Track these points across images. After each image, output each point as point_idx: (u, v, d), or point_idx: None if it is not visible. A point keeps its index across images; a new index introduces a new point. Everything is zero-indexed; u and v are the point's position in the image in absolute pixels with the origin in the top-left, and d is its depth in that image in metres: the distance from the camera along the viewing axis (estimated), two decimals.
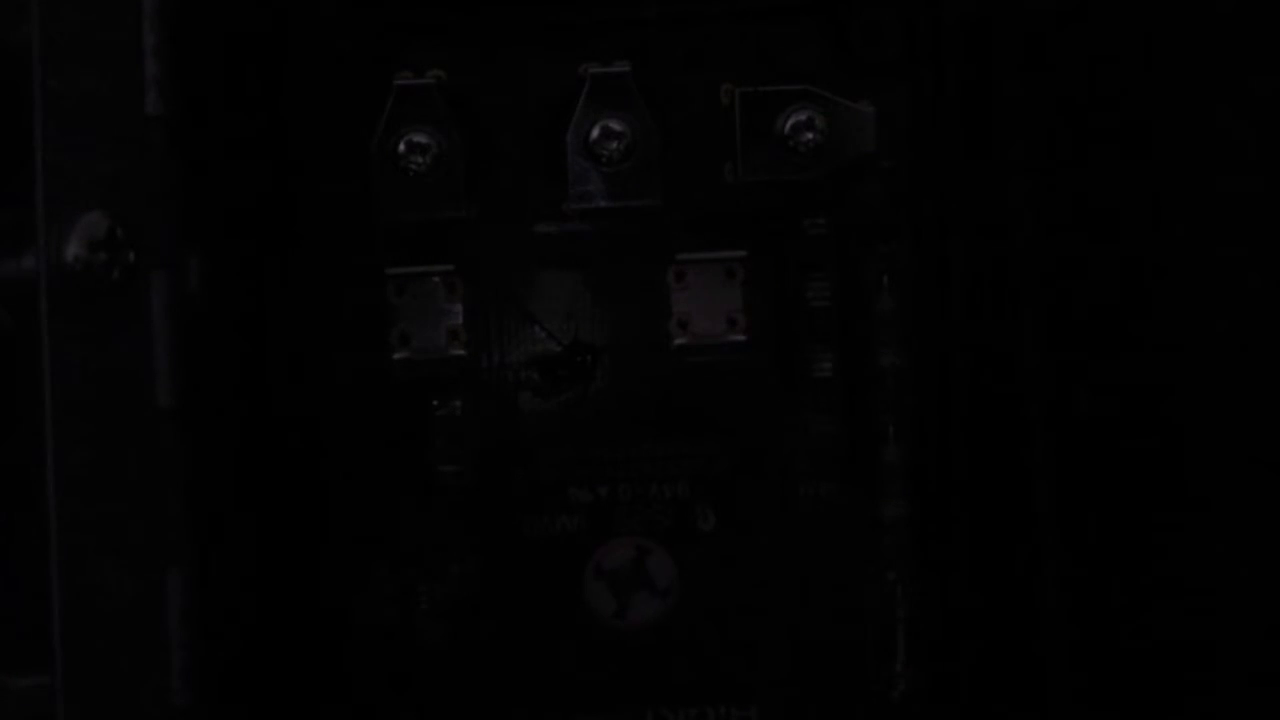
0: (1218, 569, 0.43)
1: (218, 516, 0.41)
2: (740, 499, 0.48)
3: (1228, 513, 0.43)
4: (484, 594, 0.48)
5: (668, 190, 0.47)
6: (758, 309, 0.48)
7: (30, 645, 0.38)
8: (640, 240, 0.48)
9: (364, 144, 0.46)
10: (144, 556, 0.37)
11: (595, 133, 0.46)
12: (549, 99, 0.47)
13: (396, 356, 0.47)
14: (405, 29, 0.47)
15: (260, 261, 0.46)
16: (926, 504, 0.48)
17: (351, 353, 0.48)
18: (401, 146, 0.46)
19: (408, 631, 0.48)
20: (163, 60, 0.38)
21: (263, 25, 0.46)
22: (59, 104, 0.38)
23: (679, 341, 0.48)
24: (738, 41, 0.48)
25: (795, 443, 0.48)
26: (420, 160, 0.46)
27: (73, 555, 0.37)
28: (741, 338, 0.48)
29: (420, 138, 0.46)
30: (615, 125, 0.46)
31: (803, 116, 0.47)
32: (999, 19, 0.46)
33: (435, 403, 0.48)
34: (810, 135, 0.47)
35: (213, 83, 0.43)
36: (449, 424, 0.48)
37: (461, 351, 0.47)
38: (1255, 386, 0.43)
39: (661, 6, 0.48)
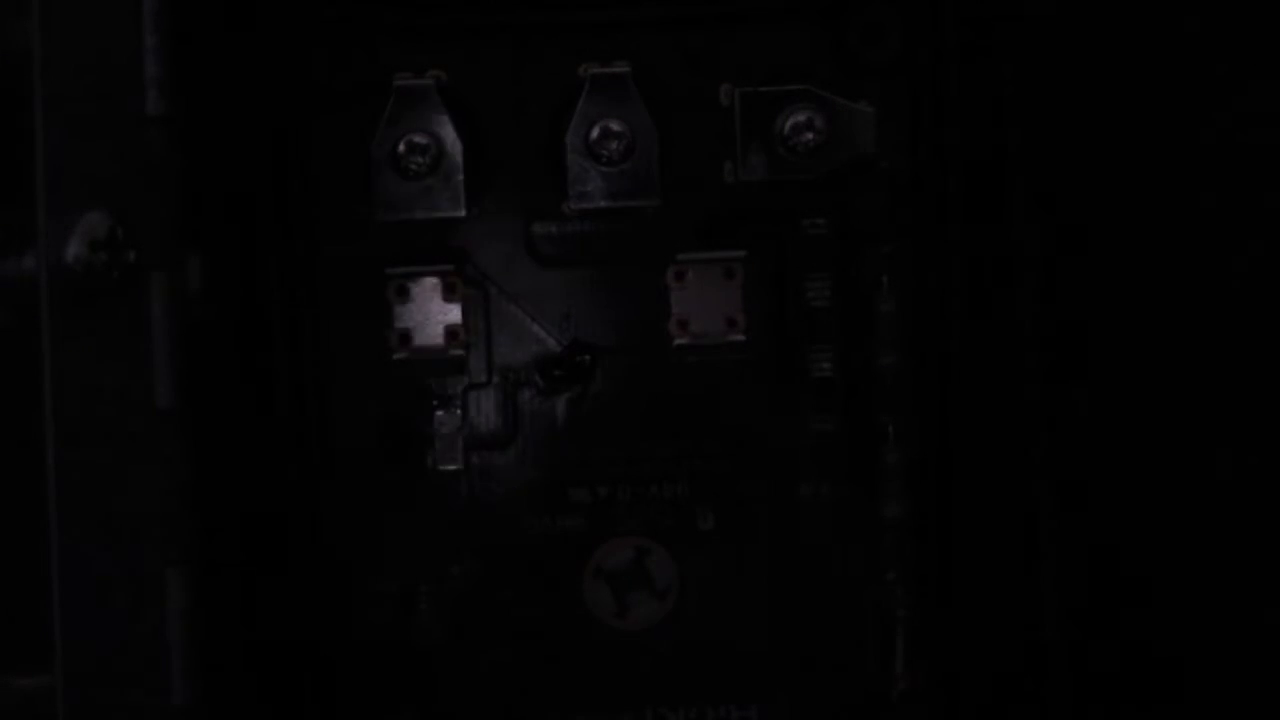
0: (1218, 569, 0.43)
1: (218, 516, 0.41)
2: (740, 499, 0.48)
3: (1228, 513, 0.43)
4: (484, 594, 0.48)
5: (667, 190, 0.47)
6: (757, 309, 0.48)
7: (30, 645, 0.38)
8: (640, 240, 0.48)
9: (364, 144, 0.46)
10: (144, 556, 0.37)
11: (595, 133, 0.47)
12: (549, 99, 0.48)
13: (396, 357, 0.47)
14: (405, 29, 0.47)
15: (260, 261, 0.46)
16: (926, 504, 0.48)
17: (351, 353, 0.48)
18: (401, 146, 0.46)
19: (408, 631, 0.48)
20: (163, 60, 0.38)
21: (262, 25, 0.46)
22: (59, 104, 0.38)
23: (679, 341, 0.48)
24: (737, 42, 0.48)
25: (795, 443, 0.48)
26: (420, 160, 0.46)
27: (73, 555, 0.37)
28: (741, 338, 0.48)
29: (420, 138, 0.46)
30: (615, 125, 0.47)
31: (802, 117, 0.47)
32: (999, 19, 0.46)
33: (435, 403, 0.48)
34: (810, 135, 0.47)
35: (213, 83, 0.43)
36: (449, 424, 0.48)
37: (461, 351, 0.47)
38: (1255, 386, 0.43)
39: (661, 7, 0.48)
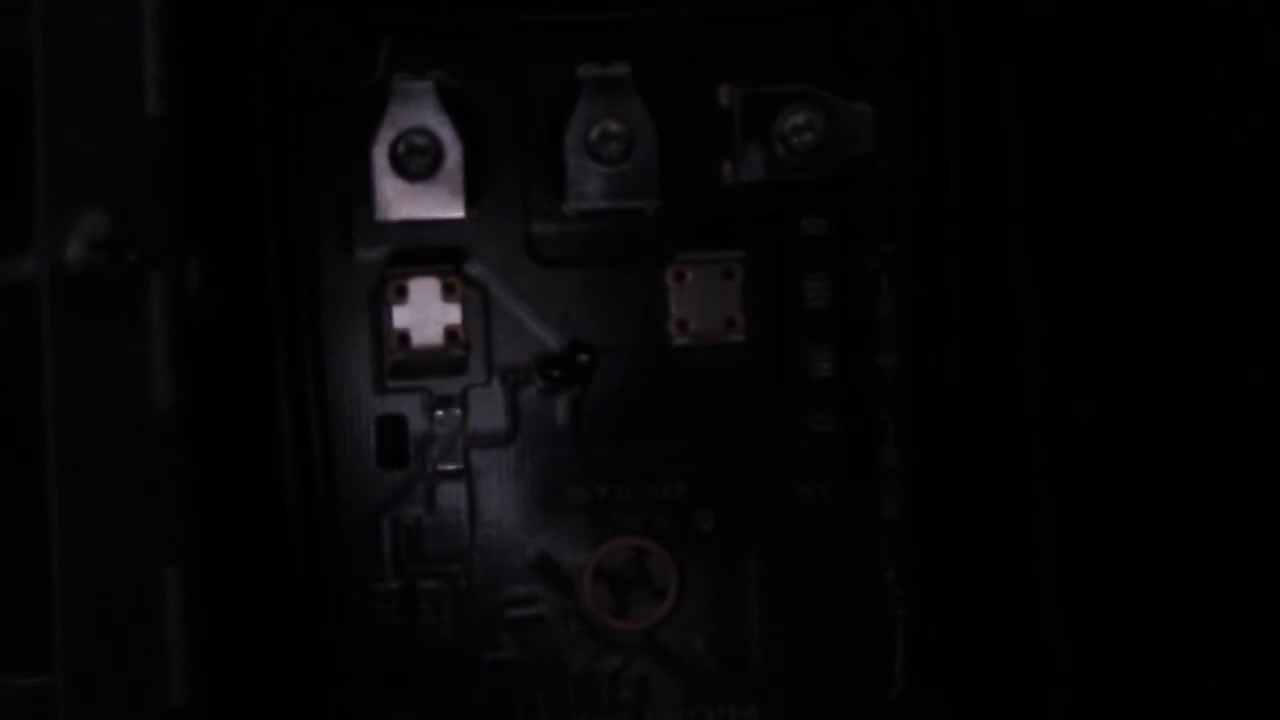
0: (1218, 570, 0.43)
1: (218, 516, 0.41)
2: (740, 499, 0.48)
3: (1228, 513, 0.43)
4: (484, 594, 0.48)
5: (666, 191, 0.47)
6: (756, 309, 0.48)
7: (30, 645, 0.38)
8: (639, 240, 0.48)
9: (364, 144, 0.46)
10: (144, 556, 0.37)
11: (594, 133, 0.47)
12: (549, 99, 0.48)
13: (396, 357, 0.47)
14: (405, 29, 0.47)
15: (260, 261, 0.46)
16: (926, 504, 0.48)
17: (351, 353, 0.48)
18: (401, 147, 0.46)
19: (408, 631, 0.48)
20: (163, 60, 0.38)
21: (262, 25, 0.46)
22: (59, 104, 0.38)
23: (678, 342, 0.48)
24: (736, 42, 0.48)
25: (795, 443, 0.48)
26: (420, 160, 0.46)
27: (73, 555, 0.37)
28: (740, 338, 0.48)
29: (420, 138, 0.46)
30: (614, 126, 0.47)
31: (802, 117, 0.47)
32: (999, 19, 0.46)
33: (435, 403, 0.48)
34: (809, 135, 0.47)
35: (213, 83, 0.43)
36: (449, 424, 0.48)
37: (461, 352, 0.47)
38: (1256, 387, 0.43)
39: (661, 7, 0.48)
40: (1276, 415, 0.42)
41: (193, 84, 0.39)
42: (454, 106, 0.47)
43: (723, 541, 0.49)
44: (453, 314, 0.47)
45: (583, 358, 0.48)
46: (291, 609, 0.47)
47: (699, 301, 0.48)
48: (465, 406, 0.48)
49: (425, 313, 0.47)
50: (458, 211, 0.47)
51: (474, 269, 0.48)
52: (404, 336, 0.47)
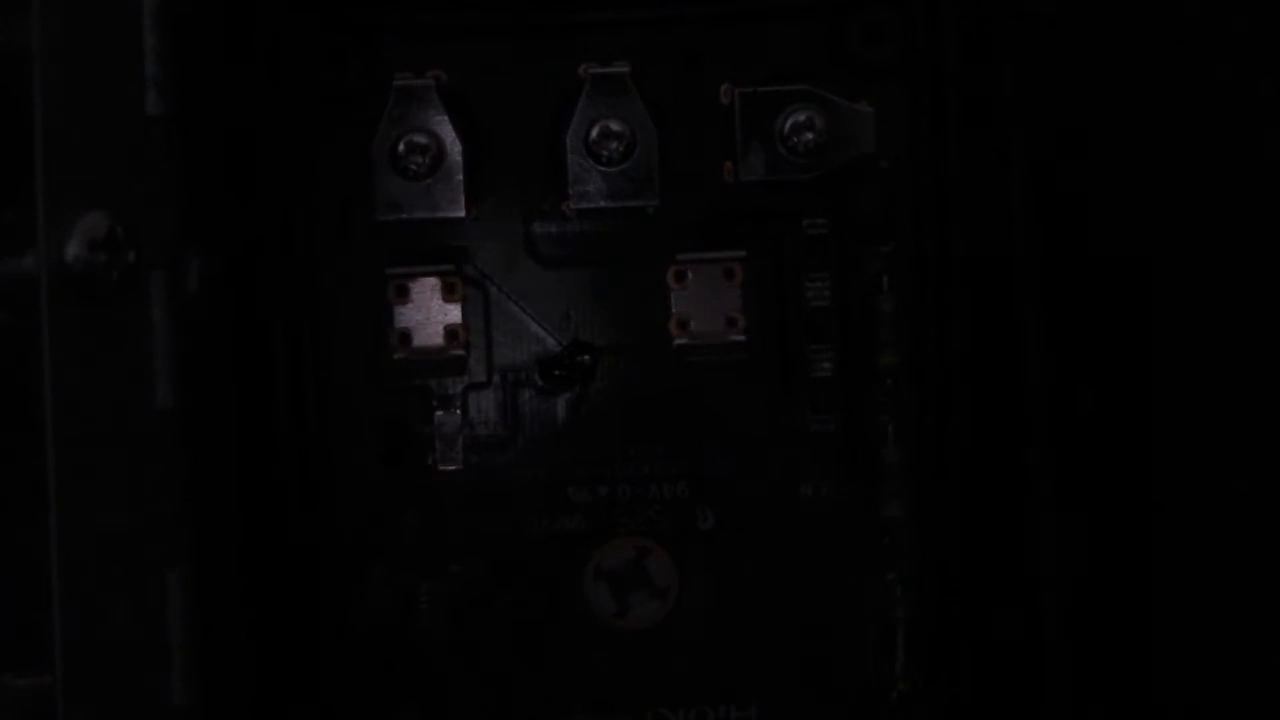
0: (1218, 568, 0.43)
1: (218, 517, 0.41)
2: (740, 499, 0.48)
3: (1228, 512, 0.43)
4: (484, 594, 0.48)
5: (667, 190, 0.47)
6: (757, 309, 0.48)
7: (30, 645, 0.38)
8: (639, 240, 0.48)
9: (364, 144, 0.46)
10: (144, 556, 0.37)
11: (595, 133, 0.47)
12: (549, 99, 0.48)
13: (396, 357, 0.47)
14: (405, 29, 0.47)
15: (260, 261, 0.46)
16: (926, 504, 0.48)
17: (351, 353, 0.48)
18: (401, 146, 0.46)
19: (408, 631, 0.48)
20: (163, 60, 0.38)
21: (262, 25, 0.46)
22: (59, 104, 0.37)
23: (679, 341, 0.48)
24: (737, 41, 0.48)
25: (795, 442, 0.48)
26: (420, 160, 0.46)
27: (73, 555, 0.37)
28: (741, 338, 0.48)
29: (420, 138, 0.46)
30: (615, 125, 0.47)
31: (802, 117, 0.47)
32: (999, 19, 0.46)
33: (435, 403, 0.48)
34: (809, 135, 0.47)
35: (213, 83, 0.43)
36: (449, 424, 0.48)
37: (460, 351, 0.47)
38: (1254, 385, 0.43)
39: (661, 7, 0.48)
40: (1277, 414, 0.42)
41: (193, 84, 0.39)
42: (454, 106, 0.47)
43: (723, 541, 0.49)
44: (453, 314, 0.47)
45: (583, 358, 0.48)
46: (291, 609, 0.47)
47: (699, 301, 0.48)
48: (465, 406, 0.48)
49: (425, 313, 0.47)
50: (458, 211, 0.47)
51: (474, 269, 0.48)
52: (404, 336, 0.47)
